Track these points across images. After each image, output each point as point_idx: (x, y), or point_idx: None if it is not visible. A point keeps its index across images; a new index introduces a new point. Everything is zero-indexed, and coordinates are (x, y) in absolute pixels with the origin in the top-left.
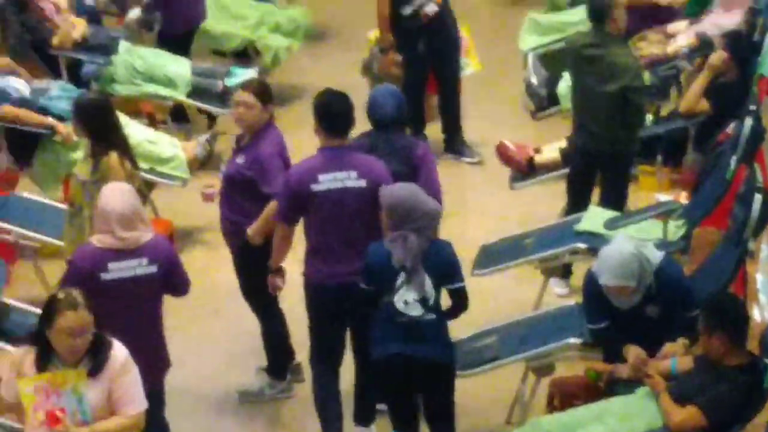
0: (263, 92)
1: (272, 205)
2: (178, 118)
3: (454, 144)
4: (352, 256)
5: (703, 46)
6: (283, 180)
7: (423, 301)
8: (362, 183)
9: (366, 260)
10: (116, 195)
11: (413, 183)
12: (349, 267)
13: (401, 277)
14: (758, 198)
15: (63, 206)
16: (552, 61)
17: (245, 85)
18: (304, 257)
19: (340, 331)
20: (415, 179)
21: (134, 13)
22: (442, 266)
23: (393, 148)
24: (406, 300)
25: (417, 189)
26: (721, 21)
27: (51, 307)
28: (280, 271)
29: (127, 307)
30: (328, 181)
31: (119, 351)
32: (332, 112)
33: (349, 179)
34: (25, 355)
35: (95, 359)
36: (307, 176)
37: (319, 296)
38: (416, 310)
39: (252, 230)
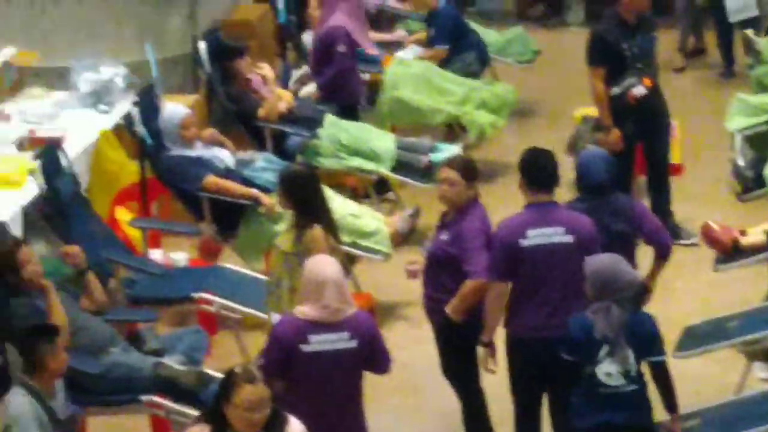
0: (467, 170)
1: (470, 284)
2: (380, 190)
3: (666, 225)
4: (556, 312)
5: None
6: (493, 236)
7: (625, 373)
8: (569, 239)
9: (568, 331)
10: (328, 265)
11: (630, 244)
12: (552, 321)
13: (604, 349)
14: None
15: (265, 278)
16: (760, 142)
17: (450, 162)
18: (508, 313)
19: (541, 392)
20: (637, 237)
21: (311, 87)
22: (644, 339)
23: (613, 209)
24: (608, 372)
25: (619, 259)
26: None
27: (229, 382)
28: (492, 346)
29: (326, 380)
30: (536, 237)
31: (296, 427)
32: (537, 167)
33: (556, 235)
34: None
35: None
36: (516, 231)
37: (524, 351)
38: (619, 381)
39: (451, 308)
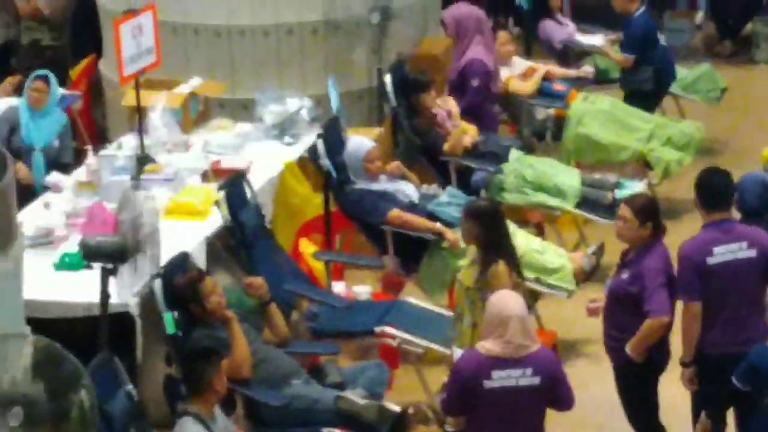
0: (643, 210)
1: (650, 323)
2: None
3: None
4: (743, 327)
5: None
6: (680, 259)
7: None
8: (753, 253)
9: (750, 361)
10: (512, 300)
11: None
12: (739, 337)
13: None
14: None
15: (448, 313)
16: None
17: (628, 200)
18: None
19: (726, 410)
20: None
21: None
22: None
23: None
24: None
25: None
26: None
27: (402, 422)
28: (691, 366)
29: (508, 417)
30: (722, 254)
31: None
32: (713, 185)
33: (741, 250)
34: None
35: None
36: (702, 250)
37: (712, 368)
38: None
39: (631, 346)
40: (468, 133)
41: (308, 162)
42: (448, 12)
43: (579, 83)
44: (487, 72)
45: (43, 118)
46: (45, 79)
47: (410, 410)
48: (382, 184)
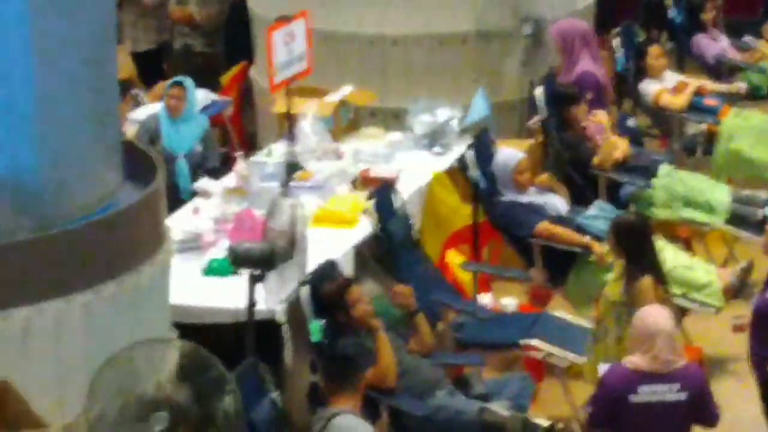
0: None
1: None
2: None
3: None
4: None
5: None
6: None
7: None
8: None
9: None
10: (660, 315)
11: None
12: None
13: None
14: None
15: (591, 326)
16: None
17: None
18: None
19: None
20: None
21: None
22: None
23: None
24: None
25: None
26: None
27: None
28: None
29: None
30: None
31: None
32: None
33: None
34: None
35: None
36: None
37: None
38: None
39: None
40: (618, 147)
41: (457, 172)
42: (553, 27)
43: (731, 99)
44: (598, 84)
45: (183, 124)
46: (181, 85)
47: (559, 425)
48: (531, 196)
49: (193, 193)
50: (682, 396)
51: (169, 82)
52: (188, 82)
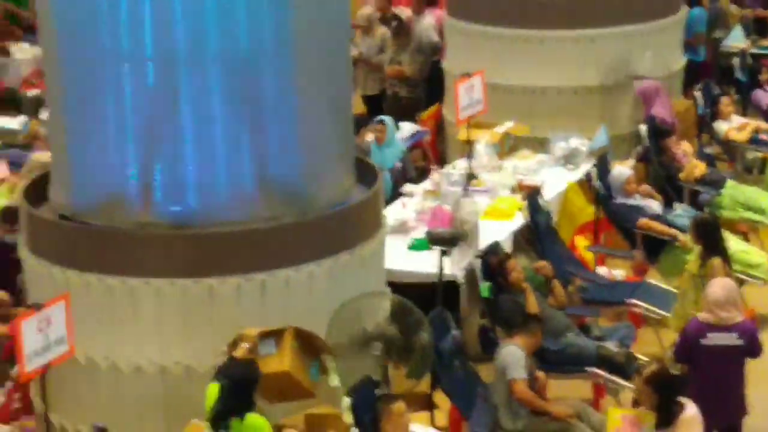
0: None
1: None
2: None
3: None
4: None
5: None
6: None
7: None
8: None
9: None
10: (718, 287)
11: None
12: None
13: None
14: None
15: (676, 291)
16: None
17: None
18: None
19: None
20: None
21: None
22: None
23: None
24: None
25: None
26: None
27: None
28: None
29: (719, 367)
30: None
31: (690, 409)
32: None
33: None
34: None
35: (669, 412)
36: None
37: None
38: None
39: None
40: (698, 167)
41: (584, 183)
42: (637, 86)
43: None
44: (666, 124)
45: (385, 149)
46: (382, 122)
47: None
48: (636, 201)
49: (393, 195)
50: (740, 342)
51: (375, 119)
52: (387, 119)
